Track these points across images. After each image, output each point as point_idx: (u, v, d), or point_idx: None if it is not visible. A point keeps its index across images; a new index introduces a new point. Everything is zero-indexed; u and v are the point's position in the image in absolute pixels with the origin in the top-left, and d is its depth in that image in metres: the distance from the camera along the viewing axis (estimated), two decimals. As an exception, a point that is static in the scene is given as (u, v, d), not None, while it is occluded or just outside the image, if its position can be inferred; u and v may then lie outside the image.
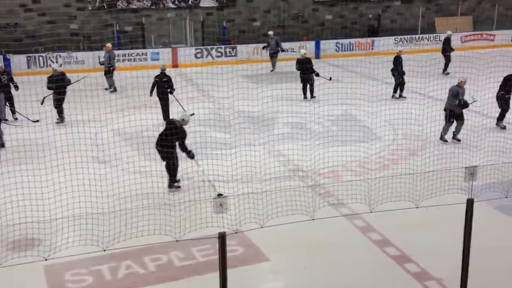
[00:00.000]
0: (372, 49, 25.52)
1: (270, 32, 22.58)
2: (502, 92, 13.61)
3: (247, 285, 7.44)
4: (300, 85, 16.89)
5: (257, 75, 17.44)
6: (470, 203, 5.73)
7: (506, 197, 7.47)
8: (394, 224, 8.64)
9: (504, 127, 13.66)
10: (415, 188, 7.29)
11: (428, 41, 26.27)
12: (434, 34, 26.68)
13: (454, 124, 12.74)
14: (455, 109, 12.50)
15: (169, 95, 14.41)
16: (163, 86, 14.30)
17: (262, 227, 6.38)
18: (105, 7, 23.43)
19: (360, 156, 11.53)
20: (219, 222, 6.36)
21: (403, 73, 16.80)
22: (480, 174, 6.45)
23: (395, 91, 17.07)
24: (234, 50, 24.22)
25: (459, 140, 12.60)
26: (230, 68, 20.09)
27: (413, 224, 8.73)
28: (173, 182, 10.14)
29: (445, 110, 12.71)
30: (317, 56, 24.78)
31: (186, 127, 10.13)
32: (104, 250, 6.17)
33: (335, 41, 25.43)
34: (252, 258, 8.09)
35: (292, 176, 10.95)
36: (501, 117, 13.79)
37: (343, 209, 9.15)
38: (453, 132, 12.77)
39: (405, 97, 16.70)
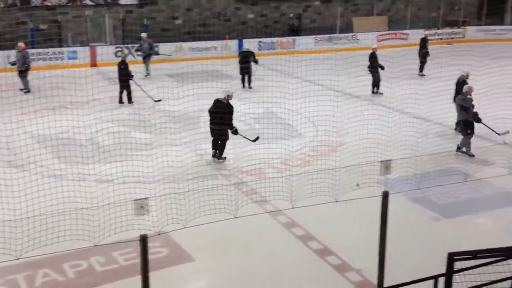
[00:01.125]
0: (294, 48, 25.98)
1: (143, 35, 21.28)
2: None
3: (171, 287, 7.35)
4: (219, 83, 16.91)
5: (180, 73, 17.22)
6: (385, 196, 5.94)
7: (419, 189, 7.84)
8: (316, 219, 8.83)
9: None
10: (335, 183, 7.49)
11: (346, 40, 27.09)
12: (352, 34, 27.56)
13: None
14: (470, 119, 11.80)
15: (129, 81, 16.45)
16: (120, 73, 16.45)
17: (185, 227, 6.32)
18: (18, 5, 22.34)
19: (283, 153, 11.69)
20: (140, 224, 6.22)
21: (382, 68, 17.23)
22: (395, 167, 6.72)
23: (373, 87, 17.63)
24: (156, 48, 23.84)
25: (464, 153, 11.69)
26: (152, 67, 19.84)
27: (334, 218, 8.97)
28: (221, 155, 11.51)
29: (457, 123, 12.31)
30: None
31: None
32: (18, 259, 5.87)
33: (258, 39, 25.65)
34: (176, 259, 7.99)
35: (216, 175, 10.93)
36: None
37: (267, 206, 9.24)
38: (458, 144, 11.91)
39: (382, 93, 17.02)
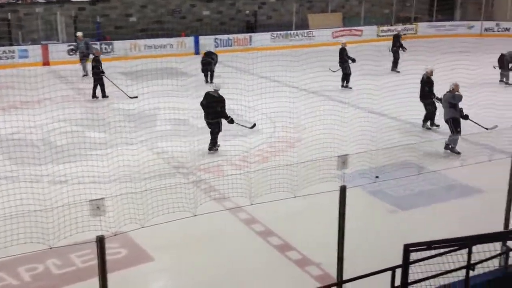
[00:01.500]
0: (250, 44, 26.02)
1: (79, 33, 20.58)
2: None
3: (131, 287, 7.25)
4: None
5: (135, 71, 16.98)
6: (342, 190, 6.01)
7: (375, 182, 7.97)
8: (276, 215, 8.88)
9: (429, 128, 13.51)
10: (293, 178, 7.53)
11: (302, 36, 27.30)
12: (308, 30, 27.80)
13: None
14: (458, 116, 11.73)
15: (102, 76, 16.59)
16: (92, 69, 16.70)
17: (142, 227, 6.23)
18: (-37, 1, 21.56)
19: (242, 150, 11.69)
20: (97, 225, 6.10)
21: (353, 60, 17.60)
22: (352, 162, 6.80)
23: (343, 81, 17.94)
24: (110, 46, 23.43)
25: (451, 150, 11.68)
26: (107, 65, 19.47)
27: (293, 213, 9.03)
28: (214, 145, 11.86)
29: (446, 121, 11.89)
30: (197, 51, 24.76)
31: None
32: (-31, 265, 5.65)
33: (214, 36, 25.56)
34: (135, 259, 7.88)
35: (175, 173, 10.83)
36: (426, 119, 13.63)
37: (226, 203, 9.22)
38: (446, 141, 11.87)
39: (351, 88, 17.37)
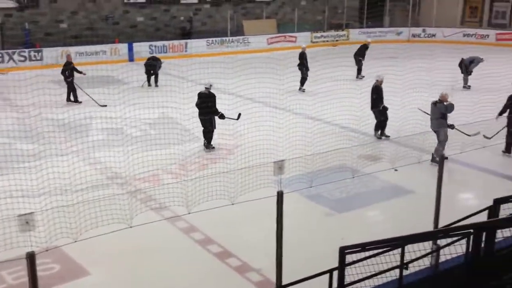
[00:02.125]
0: (186, 51, 25.87)
1: None
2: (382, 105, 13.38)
3: (65, 304, 6.99)
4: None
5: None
6: (280, 195, 6.06)
7: (311, 187, 8.10)
8: (215, 222, 8.83)
9: (379, 138, 13.43)
10: (231, 185, 7.53)
11: (238, 43, 27.42)
12: (243, 37, 27.96)
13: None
14: (445, 126, 11.54)
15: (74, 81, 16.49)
16: (64, 73, 16.51)
17: (76, 241, 6.03)
18: None
19: (180, 158, 11.58)
20: (27, 241, 5.84)
21: (308, 68, 18.12)
22: (288, 167, 6.87)
23: (301, 84, 18.39)
24: (40, 53, 22.62)
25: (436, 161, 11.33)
26: (35, 73, 18.75)
27: (232, 220, 9.02)
28: (209, 143, 12.54)
29: (437, 131, 11.56)
30: (131, 58, 24.34)
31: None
32: None
33: (149, 43, 25.22)
34: (71, 274, 7.61)
35: (111, 184, 10.56)
36: (376, 128, 13.58)
37: (164, 212, 9.09)
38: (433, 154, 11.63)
39: (304, 90, 18.06)
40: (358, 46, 21.59)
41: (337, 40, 29.96)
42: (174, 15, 27.72)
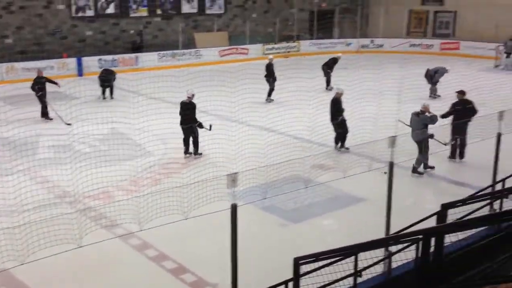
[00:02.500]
0: (137, 64, 25.58)
1: None
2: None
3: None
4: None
5: (12, 96, 15.98)
6: (233, 208, 6.04)
7: (265, 198, 8.12)
8: (169, 238, 8.71)
9: (339, 149, 13.37)
10: (184, 200, 7.45)
11: (189, 55, 27.34)
12: (195, 49, 27.90)
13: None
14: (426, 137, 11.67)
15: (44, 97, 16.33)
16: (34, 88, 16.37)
17: (22, 263, 5.82)
18: None
19: (131, 174, 11.39)
20: (-30, 266, 5.60)
21: (275, 79, 18.30)
22: (242, 179, 6.86)
23: (269, 95, 18.53)
24: None
25: (421, 173, 11.80)
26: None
27: (186, 235, 8.92)
28: (197, 151, 12.89)
29: (420, 142, 11.66)
30: (80, 73, 23.87)
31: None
32: None
33: (98, 57, 24.79)
34: (18, 298, 7.33)
35: (59, 202, 10.26)
36: (337, 140, 13.52)
37: (117, 230, 8.90)
38: (414, 165, 11.82)
39: (273, 100, 18.25)
40: (309, 57, 21.91)
41: (288, 52, 30.29)
42: (124, 29, 27.38)
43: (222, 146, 12.46)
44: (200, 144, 12.93)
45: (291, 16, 32.36)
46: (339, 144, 13.46)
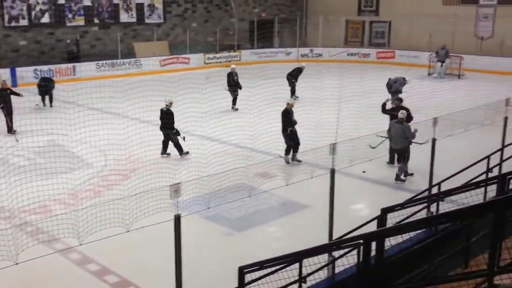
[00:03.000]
0: (74, 74, 24.95)
1: None
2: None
3: None
4: None
5: None
6: (177, 219, 5.98)
7: (209, 208, 8.09)
8: (111, 251, 8.50)
9: (288, 162, 13.11)
10: (125, 212, 7.30)
11: (129, 65, 26.93)
12: (135, 59, 27.52)
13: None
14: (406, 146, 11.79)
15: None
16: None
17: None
18: None
19: (71, 186, 11.06)
20: None
21: (240, 87, 18.43)
22: (185, 189, 6.80)
23: (233, 104, 18.64)
24: None
25: (404, 181, 11.96)
26: None
27: (129, 248, 8.74)
28: (181, 152, 13.27)
29: (403, 150, 11.84)
30: (14, 84, 22.97)
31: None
32: None
33: (33, 67, 24.00)
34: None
35: (-7, 218, 9.81)
36: (287, 152, 13.27)
37: (56, 244, 8.60)
38: (397, 173, 12.05)
39: (237, 109, 18.29)
40: (250, 66, 22.05)
41: (230, 61, 30.38)
42: (60, 38, 26.63)
43: (164, 156, 12.33)
44: (142, 154, 12.71)
45: (231, 26, 32.52)
46: (290, 156, 13.15)
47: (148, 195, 7.40)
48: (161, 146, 13.40)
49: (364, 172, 12.04)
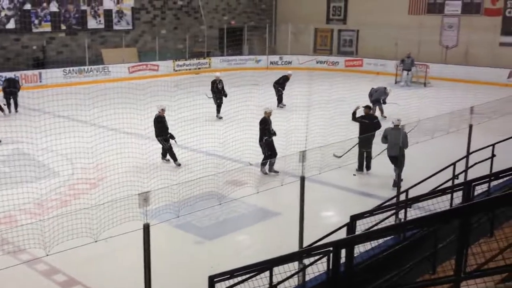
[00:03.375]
0: (41, 81, 24.50)
1: None
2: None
3: None
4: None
5: None
6: (146, 228, 5.92)
7: (178, 216, 8.03)
8: (79, 262, 8.36)
9: (266, 173, 12.99)
10: (93, 221, 7.19)
11: (97, 72, 26.60)
12: (103, 65, 27.20)
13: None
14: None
15: None
16: None
17: None
18: None
19: (37, 196, 10.83)
20: None
21: (225, 95, 18.37)
22: (154, 198, 6.74)
23: (218, 112, 18.62)
24: None
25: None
26: None
27: (97, 258, 8.60)
28: (175, 161, 13.43)
29: (395, 157, 11.77)
30: (-23, 91, 22.42)
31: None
32: None
33: (-2, 74, 23.47)
34: None
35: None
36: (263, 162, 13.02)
37: (22, 255, 8.40)
38: (395, 179, 11.98)
39: (222, 117, 18.13)
40: (220, 73, 21.93)
41: (199, 68, 30.35)
42: (26, 45, 26.15)
43: (133, 165, 12.19)
44: (110, 162, 12.53)
45: (201, 33, 32.49)
46: (267, 167, 12.96)
47: (117, 204, 7.31)
48: (128, 153, 13.22)
49: (354, 175, 12.48)
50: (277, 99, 20.78)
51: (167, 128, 13.68)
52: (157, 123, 13.68)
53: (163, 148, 13.76)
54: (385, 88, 19.12)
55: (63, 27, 27.33)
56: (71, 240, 7.10)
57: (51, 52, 26.86)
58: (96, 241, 6.82)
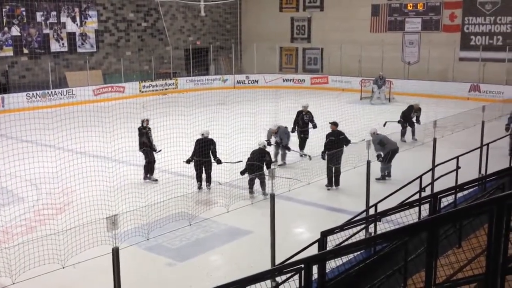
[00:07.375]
0: (3, 106, 24.04)
1: None
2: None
3: None
4: None
5: None
6: (115, 251, 5.83)
7: (148, 239, 7.93)
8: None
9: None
10: (60, 247, 7.03)
11: (61, 95, 26.24)
12: (67, 88, 26.87)
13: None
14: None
15: None
16: None
17: None
18: None
19: (2, 223, 10.54)
20: None
21: (315, 126, 17.24)
22: (123, 221, 6.64)
23: (301, 148, 17.90)
24: None
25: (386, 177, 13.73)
26: None
27: (66, 285, 8.40)
28: (152, 174, 13.74)
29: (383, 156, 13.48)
30: None
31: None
32: None
33: (-42, 100, 22.94)
34: None
35: None
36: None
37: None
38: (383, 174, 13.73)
39: (308, 155, 17.47)
40: (187, 94, 21.98)
41: (166, 89, 30.26)
42: (-13, 69, 25.69)
43: (100, 188, 12.00)
44: (78, 187, 12.30)
45: (166, 54, 32.46)
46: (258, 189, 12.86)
47: (84, 229, 7.16)
48: (94, 176, 13.01)
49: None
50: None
51: (148, 141, 13.85)
52: (141, 135, 13.89)
53: (146, 163, 13.78)
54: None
55: (26, 51, 26.94)
56: (37, 267, 6.92)
57: (14, 77, 26.40)
58: (63, 267, 6.67)
